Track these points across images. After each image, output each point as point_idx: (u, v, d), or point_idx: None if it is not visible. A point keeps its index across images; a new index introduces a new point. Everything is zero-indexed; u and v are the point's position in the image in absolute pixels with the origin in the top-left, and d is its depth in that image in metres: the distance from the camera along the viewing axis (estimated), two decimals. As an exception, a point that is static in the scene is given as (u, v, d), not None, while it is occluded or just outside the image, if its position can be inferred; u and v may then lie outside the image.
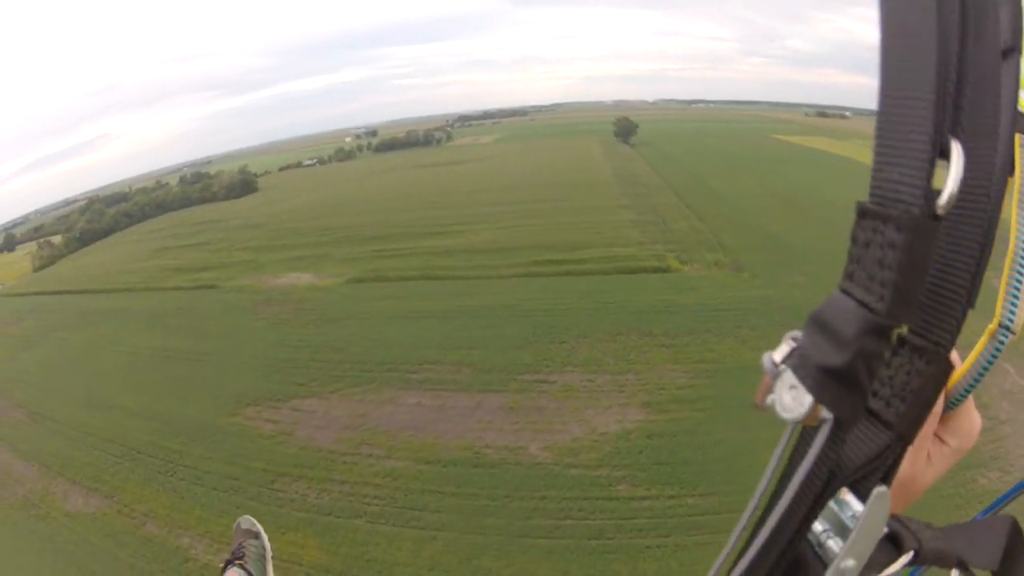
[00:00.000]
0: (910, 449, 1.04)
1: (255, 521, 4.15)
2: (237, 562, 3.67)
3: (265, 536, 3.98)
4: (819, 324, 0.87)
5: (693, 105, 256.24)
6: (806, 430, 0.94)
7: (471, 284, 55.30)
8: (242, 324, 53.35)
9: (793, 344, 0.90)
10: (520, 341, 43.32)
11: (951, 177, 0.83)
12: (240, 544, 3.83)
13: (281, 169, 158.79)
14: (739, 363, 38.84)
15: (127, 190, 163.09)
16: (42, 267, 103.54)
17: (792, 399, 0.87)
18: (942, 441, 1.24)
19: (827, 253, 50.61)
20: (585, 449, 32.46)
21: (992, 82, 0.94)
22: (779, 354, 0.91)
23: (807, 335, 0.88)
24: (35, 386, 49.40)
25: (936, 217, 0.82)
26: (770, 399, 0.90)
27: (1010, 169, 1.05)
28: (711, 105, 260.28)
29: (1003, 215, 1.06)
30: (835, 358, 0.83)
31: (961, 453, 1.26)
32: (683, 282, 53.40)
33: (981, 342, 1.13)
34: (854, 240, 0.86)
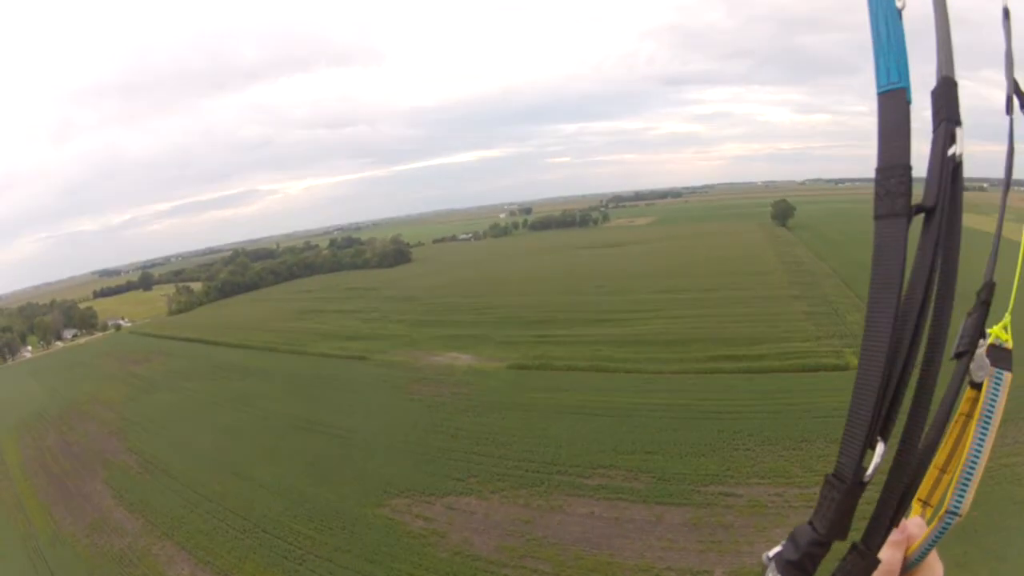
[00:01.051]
0: None
1: None
2: None
3: None
4: (792, 537, 1.47)
5: (840, 184, 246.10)
6: None
7: (645, 379, 54.30)
8: (393, 403, 53.49)
9: (780, 547, 1.49)
10: (701, 447, 42.00)
11: (872, 464, 1.43)
12: None
13: (435, 241, 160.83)
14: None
15: (274, 247, 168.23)
16: (178, 311, 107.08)
17: None
18: None
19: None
20: None
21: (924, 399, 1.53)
22: (772, 551, 1.50)
23: (786, 543, 1.48)
24: (154, 433, 50.39)
25: (862, 483, 1.43)
26: None
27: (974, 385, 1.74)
28: (857, 183, 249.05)
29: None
30: (792, 556, 1.45)
31: None
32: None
33: (933, 524, 1.70)
34: (822, 488, 1.46)
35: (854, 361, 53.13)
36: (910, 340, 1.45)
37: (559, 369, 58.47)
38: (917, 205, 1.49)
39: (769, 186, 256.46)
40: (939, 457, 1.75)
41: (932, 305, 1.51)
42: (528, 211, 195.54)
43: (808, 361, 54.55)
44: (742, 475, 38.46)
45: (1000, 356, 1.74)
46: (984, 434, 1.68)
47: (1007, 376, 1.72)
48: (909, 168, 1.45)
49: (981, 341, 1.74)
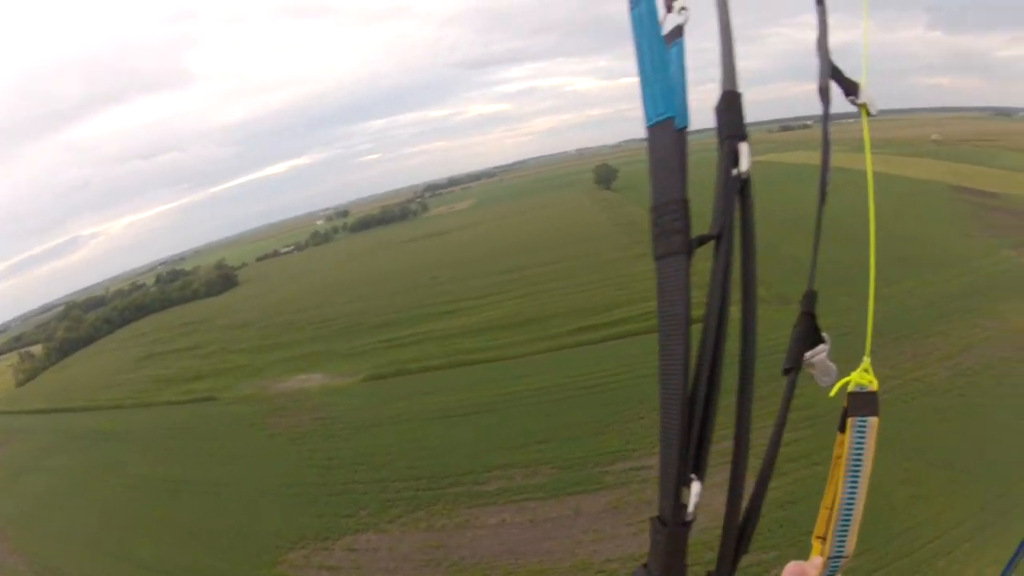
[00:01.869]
0: None
1: None
2: None
3: None
4: None
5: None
6: None
7: (510, 366, 49.64)
8: (254, 443, 46.65)
9: None
10: (594, 425, 38.03)
11: (691, 503, 1.36)
12: None
13: (259, 259, 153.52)
14: (832, 405, 35.27)
15: (104, 293, 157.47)
16: (25, 380, 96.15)
17: None
18: None
19: (851, 268, 53.59)
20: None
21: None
22: None
23: None
24: (34, 527, 41.92)
25: (686, 524, 1.37)
26: None
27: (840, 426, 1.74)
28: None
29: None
30: None
31: None
32: (732, 325, 48.99)
33: (820, 570, 1.67)
34: (650, 532, 1.39)
35: None
36: (708, 375, 1.41)
37: (416, 372, 52.84)
38: (699, 237, 1.42)
39: (583, 153, 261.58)
40: (827, 496, 1.72)
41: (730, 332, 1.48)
42: (345, 213, 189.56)
43: None
44: (646, 445, 34.95)
45: (863, 402, 1.69)
46: (855, 479, 1.66)
47: (872, 421, 1.68)
48: (685, 203, 1.40)
49: (823, 347, 1.68)
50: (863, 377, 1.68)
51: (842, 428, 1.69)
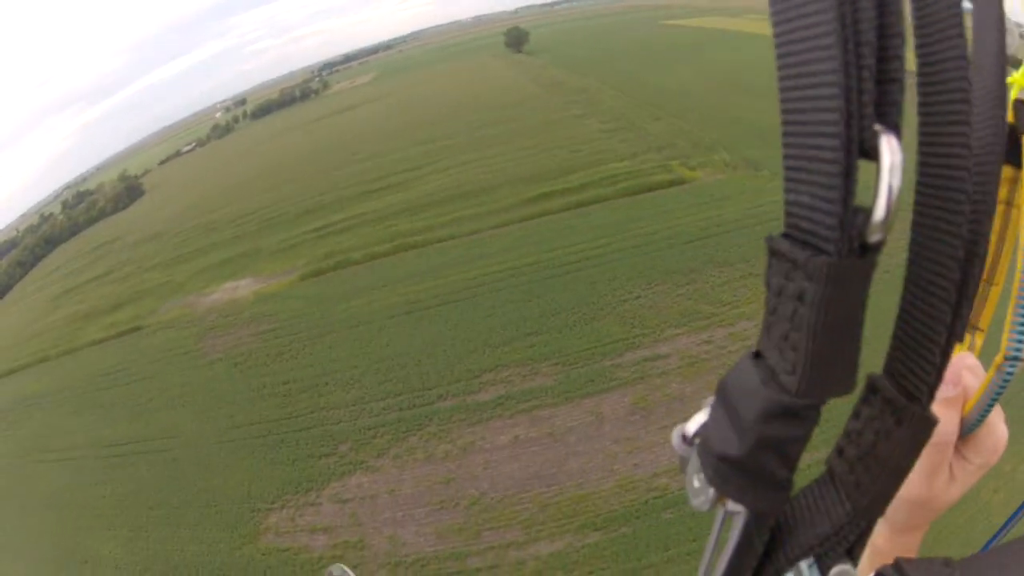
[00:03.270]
0: (923, 468, 1.05)
1: (347, 569, 3.32)
2: None
3: None
4: (723, 397, 0.65)
5: (557, 6, 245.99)
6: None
7: (464, 246, 42.94)
8: (194, 376, 37.83)
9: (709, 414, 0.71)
10: (586, 308, 32.61)
11: (882, 186, 0.54)
12: None
13: (161, 163, 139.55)
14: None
15: (15, 234, 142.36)
16: None
17: (699, 484, 0.66)
18: (964, 459, 1.14)
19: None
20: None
21: (952, 32, 0.62)
22: (693, 425, 0.69)
23: (713, 410, 0.67)
24: None
25: (865, 249, 0.56)
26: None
27: (1011, 157, 0.94)
28: (574, 3, 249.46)
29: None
30: (733, 447, 0.62)
31: (986, 468, 1.16)
32: (707, 192, 44.31)
33: (988, 375, 1.04)
34: (768, 285, 0.64)
35: (688, 174, 45.92)
36: None
37: (360, 262, 44.94)
38: None
39: (480, 20, 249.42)
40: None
41: None
42: (243, 102, 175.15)
43: (637, 182, 46.74)
44: (652, 329, 30.11)
45: None
46: None
47: None
48: None
49: None
50: None
51: (1012, 157, 0.94)
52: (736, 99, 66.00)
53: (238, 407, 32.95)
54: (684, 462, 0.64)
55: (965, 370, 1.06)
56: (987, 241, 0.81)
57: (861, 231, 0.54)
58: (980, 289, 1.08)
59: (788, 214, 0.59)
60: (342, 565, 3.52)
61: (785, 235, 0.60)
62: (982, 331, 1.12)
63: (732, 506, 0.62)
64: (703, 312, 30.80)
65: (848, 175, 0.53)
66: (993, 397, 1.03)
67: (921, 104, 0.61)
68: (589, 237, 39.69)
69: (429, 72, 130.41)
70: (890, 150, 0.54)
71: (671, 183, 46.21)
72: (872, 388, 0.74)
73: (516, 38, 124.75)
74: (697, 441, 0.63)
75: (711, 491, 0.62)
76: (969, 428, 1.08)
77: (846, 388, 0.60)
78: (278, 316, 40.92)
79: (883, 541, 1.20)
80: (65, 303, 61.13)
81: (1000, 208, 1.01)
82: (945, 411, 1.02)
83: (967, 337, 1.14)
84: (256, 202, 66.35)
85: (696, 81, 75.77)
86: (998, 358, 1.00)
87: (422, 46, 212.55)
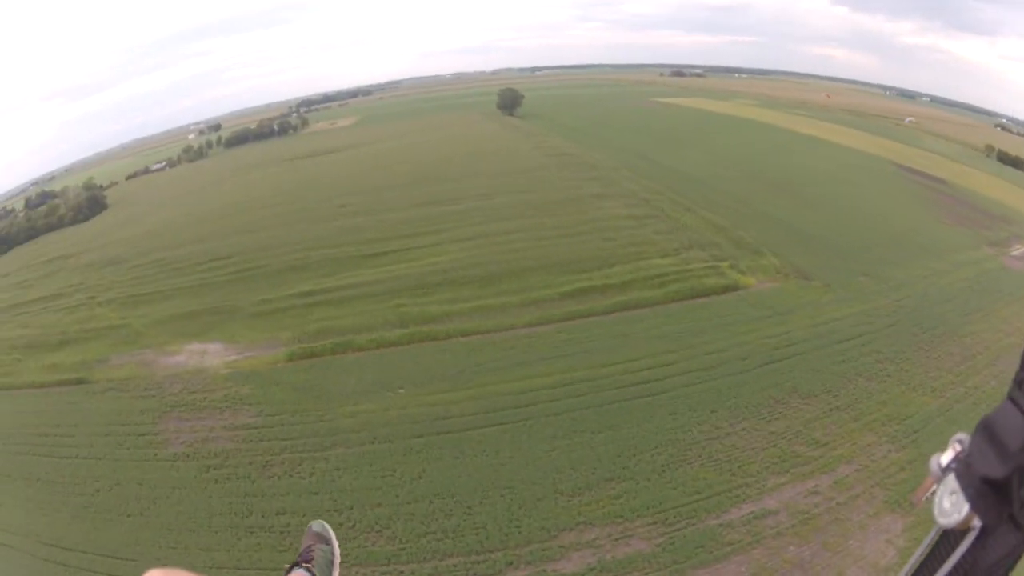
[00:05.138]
0: None
1: (327, 526, 3.63)
2: (304, 564, 3.27)
3: (336, 543, 3.53)
4: (988, 433, 0.88)
5: (537, 72, 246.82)
6: (948, 532, 0.94)
7: (497, 344, 36.63)
8: (153, 477, 28.90)
9: (959, 447, 0.94)
10: (672, 449, 27.11)
11: None
12: (309, 547, 3.45)
13: (128, 177, 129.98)
14: (927, 414, 29.61)
15: None
16: None
17: (951, 504, 0.89)
18: None
19: (851, 246, 49.52)
20: None
21: None
22: (946, 457, 0.95)
23: (975, 442, 0.91)
24: None
25: None
26: (928, 500, 0.92)
27: None
28: (547, 72, 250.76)
29: None
30: (998, 469, 0.85)
31: None
32: (767, 303, 40.50)
33: None
34: None
35: (741, 279, 40.23)
36: None
37: (364, 348, 37.50)
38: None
39: (459, 77, 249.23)
40: None
41: None
42: (218, 127, 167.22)
43: (688, 285, 42.63)
44: (752, 476, 25.53)
45: None
46: None
47: None
48: None
49: None
50: None
51: None
52: (758, 192, 62.95)
53: (216, 539, 24.95)
54: (934, 485, 0.84)
55: None
56: None
57: None
58: None
59: None
60: (322, 522, 3.61)
61: None
62: None
63: (975, 522, 0.81)
64: (801, 456, 26.67)
65: None
66: None
67: None
68: (648, 351, 34.52)
69: (416, 123, 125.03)
70: None
71: (725, 288, 41.81)
72: None
73: (510, 99, 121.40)
74: (953, 467, 0.82)
75: (965, 508, 0.82)
76: None
77: None
78: (261, 407, 33.04)
79: None
80: (10, 320, 51.39)
81: None
82: None
83: None
84: (230, 245, 57.74)
85: (708, 167, 72.89)
86: None
87: (403, 96, 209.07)
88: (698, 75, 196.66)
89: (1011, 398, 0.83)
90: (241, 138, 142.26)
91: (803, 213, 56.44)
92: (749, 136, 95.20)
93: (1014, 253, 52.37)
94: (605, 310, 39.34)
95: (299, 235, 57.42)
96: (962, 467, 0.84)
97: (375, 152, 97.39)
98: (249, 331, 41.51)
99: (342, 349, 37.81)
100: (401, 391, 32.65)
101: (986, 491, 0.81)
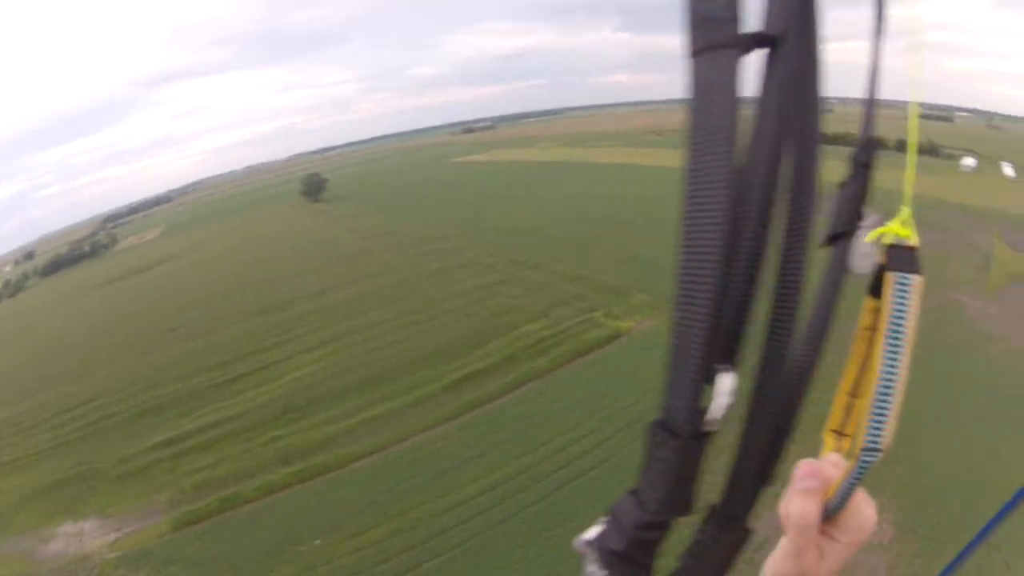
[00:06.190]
0: (790, 549, 1.21)
1: None
2: None
3: None
4: (612, 515, 1.05)
5: (327, 153, 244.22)
6: None
7: (399, 461, 32.41)
8: None
9: (601, 527, 1.08)
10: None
11: (714, 404, 0.96)
12: None
13: None
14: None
15: None
16: None
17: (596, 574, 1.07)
18: (832, 538, 1.24)
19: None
20: None
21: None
22: (591, 534, 1.08)
23: (606, 523, 1.06)
24: None
25: (703, 434, 0.97)
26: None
27: (874, 291, 1.19)
28: (341, 149, 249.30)
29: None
30: (617, 544, 1.02)
31: (856, 545, 1.26)
32: (653, 342, 39.18)
33: (847, 465, 1.17)
34: (646, 446, 1.01)
35: (620, 325, 40.46)
36: (757, 222, 1.02)
37: (253, 500, 31.75)
38: (756, 34, 1.00)
39: (253, 170, 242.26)
40: (846, 381, 1.28)
41: (785, 171, 1.04)
42: (31, 255, 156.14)
43: (571, 346, 41.04)
44: None
45: (903, 258, 1.22)
46: (895, 353, 1.17)
47: (916, 280, 1.21)
48: None
49: (861, 222, 1.24)
50: (902, 229, 1.21)
51: (875, 291, 1.18)
52: (596, 231, 63.41)
53: None
54: (584, 559, 1.03)
55: (828, 464, 1.22)
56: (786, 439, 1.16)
57: (699, 424, 0.94)
58: (846, 401, 1.26)
59: (662, 409, 0.97)
60: None
61: (659, 421, 0.97)
62: (849, 436, 1.25)
63: None
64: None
65: (697, 392, 0.93)
66: (853, 481, 1.16)
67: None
68: (565, 425, 32.19)
69: (223, 226, 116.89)
70: (723, 385, 0.96)
71: (608, 339, 40.82)
72: (711, 511, 1.13)
73: (315, 185, 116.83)
74: (596, 544, 1.01)
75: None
76: (832, 511, 1.21)
77: (684, 512, 0.99)
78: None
79: None
80: None
81: (866, 334, 1.19)
82: (802, 500, 1.17)
83: (835, 442, 1.27)
84: (73, 392, 48.53)
85: (537, 217, 73.09)
86: (855, 449, 1.13)
87: (205, 197, 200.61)
88: (488, 127, 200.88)
89: (632, 489, 1.12)
90: (56, 265, 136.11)
91: (647, 241, 56.15)
92: (563, 177, 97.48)
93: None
94: (500, 392, 36.51)
95: (140, 371, 49.59)
96: (597, 542, 1.09)
97: (190, 263, 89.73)
98: (121, 499, 33.89)
99: (230, 505, 31.68)
100: (317, 543, 27.72)
101: (613, 560, 1.02)
